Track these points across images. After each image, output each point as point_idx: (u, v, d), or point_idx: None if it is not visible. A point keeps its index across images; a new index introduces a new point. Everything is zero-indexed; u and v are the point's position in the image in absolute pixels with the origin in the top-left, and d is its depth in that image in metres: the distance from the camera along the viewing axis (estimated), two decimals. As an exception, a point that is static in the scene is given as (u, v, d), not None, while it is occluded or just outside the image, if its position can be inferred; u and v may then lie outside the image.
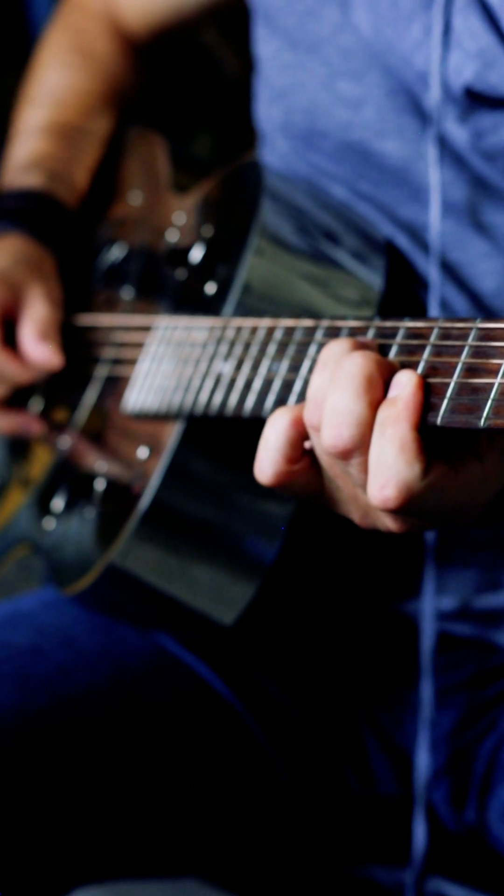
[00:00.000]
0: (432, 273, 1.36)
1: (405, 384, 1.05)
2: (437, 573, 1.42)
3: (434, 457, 1.04)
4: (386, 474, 1.03)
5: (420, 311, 1.39)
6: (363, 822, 1.51)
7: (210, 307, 1.35)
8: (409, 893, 1.42)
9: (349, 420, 1.05)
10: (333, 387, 1.07)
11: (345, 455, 1.06)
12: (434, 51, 1.31)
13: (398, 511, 1.04)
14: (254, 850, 1.49)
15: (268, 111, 1.51)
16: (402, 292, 1.39)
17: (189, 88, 2.61)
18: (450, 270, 1.37)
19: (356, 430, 1.05)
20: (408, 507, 1.04)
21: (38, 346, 1.51)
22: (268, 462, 1.11)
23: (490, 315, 1.37)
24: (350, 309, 1.33)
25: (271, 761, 1.45)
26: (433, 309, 1.37)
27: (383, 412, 1.05)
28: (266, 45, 1.49)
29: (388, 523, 1.10)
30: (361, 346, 1.10)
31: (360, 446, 1.06)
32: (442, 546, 1.41)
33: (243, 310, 1.31)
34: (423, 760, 1.42)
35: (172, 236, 1.48)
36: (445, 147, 1.34)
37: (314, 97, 1.43)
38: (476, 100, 1.31)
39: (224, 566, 1.34)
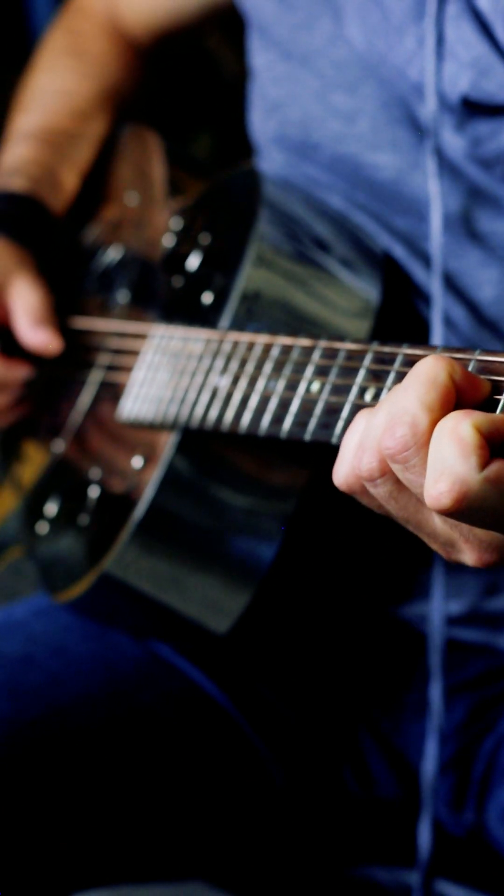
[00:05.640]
0: (434, 285, 1.36)
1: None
2: (445, 576, 1.40)
3: (497, 452, 0.98)
4: (439, 468, 0.97)
5: (419, 322, 1.39)
6: (363, 824, 1.51)
7: (206, 318, 1.34)
8: (416, 894, 1.42)
9: (404, 419, 0.99)
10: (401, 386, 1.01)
11: (395, 458, 1.00)
12: (428, 62, 1.30)
13: (456, 513, 0.98)
14: (254, 853, 1.49)
15: (263, 124, 1.51)
16: (401, 303, 1.39)
17: (189, 89, 2.60)
18: (448, 281, 1.37)
19: (408, 429, 0.99)
20: (466, 507, 0.97)
21: (34, 332, 1.51)
22: (343, 464, 1.05)
23: (490, 326, 1.37)
24: (348, 320, 1.32)
25: (267, 765, 1.45)
26: (435, 322, 1.36)
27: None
28: (260, 57, 1.49)
29: (465, 553, 1.03)
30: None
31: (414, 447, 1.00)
32: None
33: (240, 321, 1.31)
34: (430, 765, 1.41)
35: (169, 241, 1.48)
36: (441, 158, 1.34)
37: (308, 109, 1.43)
38: (473, 108, 1.31)
39: (218, 575, 1.34)
